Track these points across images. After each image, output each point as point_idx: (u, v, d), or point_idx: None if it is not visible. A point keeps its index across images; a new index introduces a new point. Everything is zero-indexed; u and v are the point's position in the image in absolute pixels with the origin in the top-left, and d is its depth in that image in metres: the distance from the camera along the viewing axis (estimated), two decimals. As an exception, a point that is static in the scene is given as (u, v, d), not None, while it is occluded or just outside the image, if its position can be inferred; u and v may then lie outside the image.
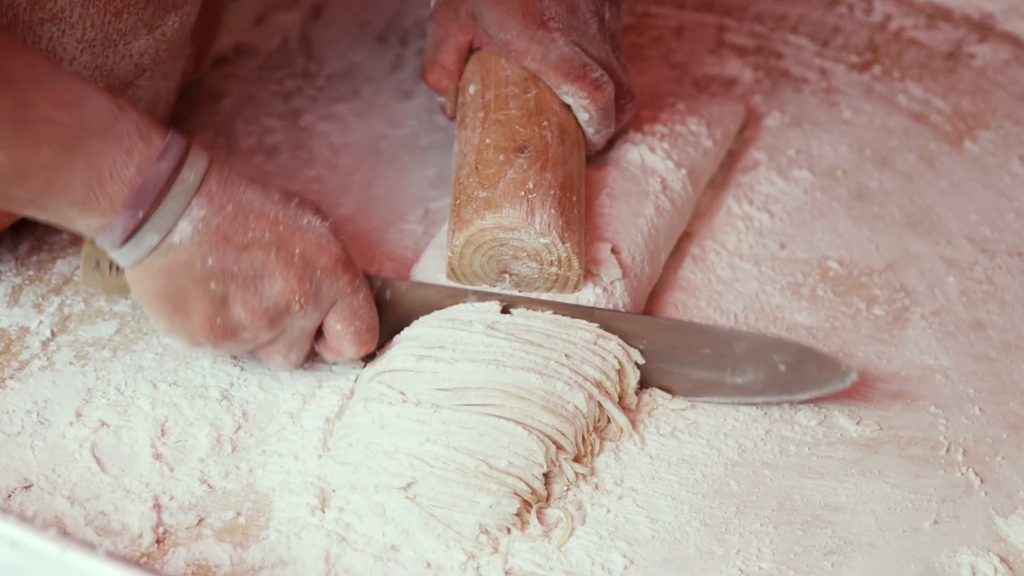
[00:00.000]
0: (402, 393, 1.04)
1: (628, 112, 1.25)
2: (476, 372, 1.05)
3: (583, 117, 1.21)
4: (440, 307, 1.11)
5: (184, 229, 0.99)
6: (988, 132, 1.47)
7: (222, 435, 1.07)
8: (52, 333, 1.14)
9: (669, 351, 1.11)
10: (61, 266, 1.20)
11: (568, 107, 1.21)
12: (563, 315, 1.10)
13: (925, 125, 1.48)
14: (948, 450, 1.11)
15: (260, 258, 1.01)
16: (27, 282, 1.19)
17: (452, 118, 1.27)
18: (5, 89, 0.92)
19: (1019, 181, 1.40)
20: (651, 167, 1.25)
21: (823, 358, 1.09)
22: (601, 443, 1.08)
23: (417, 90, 1.47)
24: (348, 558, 0.99)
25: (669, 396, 1.12)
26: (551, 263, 1.11)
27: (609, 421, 1.08)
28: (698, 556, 1.01)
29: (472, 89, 1.22)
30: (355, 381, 1.11)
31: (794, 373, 1.09)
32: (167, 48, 1.18)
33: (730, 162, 1.39)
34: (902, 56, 1.58)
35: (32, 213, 0.99)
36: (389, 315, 1.10)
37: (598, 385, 1.07)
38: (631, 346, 1.10)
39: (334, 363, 1.12)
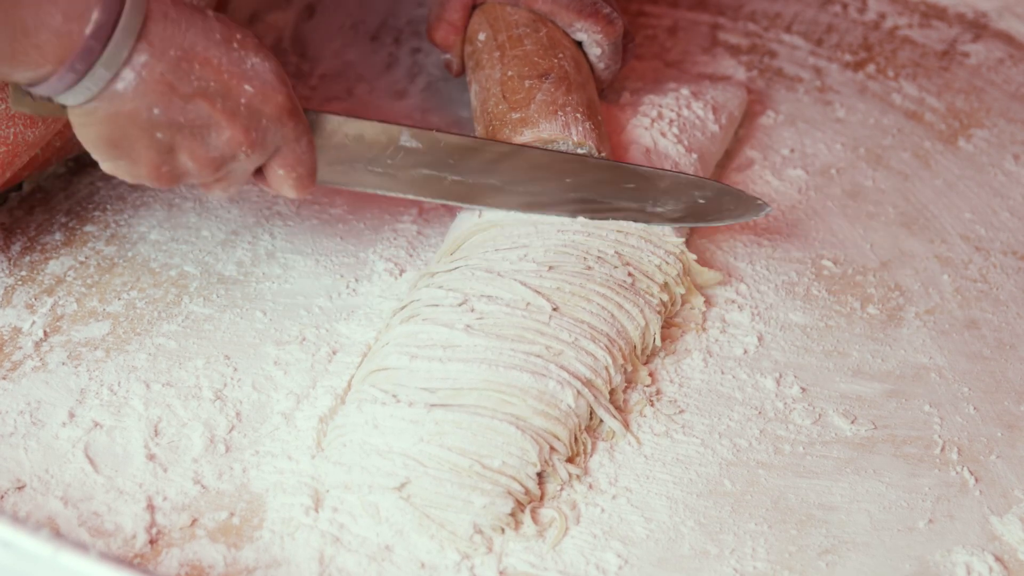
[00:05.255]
0: (394, 395, 1.04)
1: (630, 52, 1.32)
2: (468, 372, 1.04)
3: (595, 52, 1.27)
4: (375, 142, 1.11)
5: (127, 77, 0.98)
6: (982, 131, 1.47)
7: (216, 435, 1.07)
8: (45, 334, 1.14)
9: (595, 185, 1.16)
10: (54, 267, 1.20)
11: (577, 44, 1.27)
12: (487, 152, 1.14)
13: (919, 124, 1.47)
14: (943, 449, 1.11)
15: (206, 108, 1.01)
16: (20, 283, 1.19)
17: (458, 74, 1.32)
18: None
19: (1013, 179, 1.40)
20: (663, 151, 1.26)
21: (740, 195, 1.18)
22: (594, 443, 1.08)
23: (410, 90, 1.47)
24: (342, 558, 0.98)
25: (660, 397, 1.12)
26: None
27: (602, 421, 1.08)
28: (693, 556, 1.01)
29: (482, 36, 1.26)
30: (349, 381, 1.11)
31: (712, 205, 1.18)
32: None
33: (724, 161, 1.39)
34: (896, 55, 1.58)
35: None
36: (324, 149, 1.11)
37: (588, 384, 1.07)
38: (572, 190, 1.15)
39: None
